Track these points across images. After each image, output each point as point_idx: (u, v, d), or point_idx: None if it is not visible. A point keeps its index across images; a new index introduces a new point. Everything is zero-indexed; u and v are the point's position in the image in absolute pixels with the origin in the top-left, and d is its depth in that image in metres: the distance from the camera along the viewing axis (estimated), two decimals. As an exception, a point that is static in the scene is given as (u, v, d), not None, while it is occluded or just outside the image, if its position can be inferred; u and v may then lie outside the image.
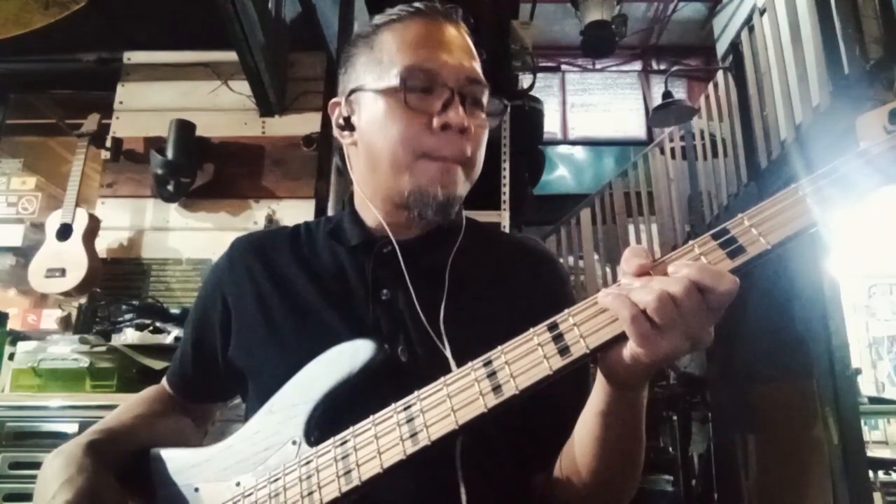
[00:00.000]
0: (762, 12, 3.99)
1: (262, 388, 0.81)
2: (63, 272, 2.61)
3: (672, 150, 5.47)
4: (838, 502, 3.10)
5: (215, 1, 2.45)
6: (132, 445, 0.83)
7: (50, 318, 2.64)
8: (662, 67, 8.37)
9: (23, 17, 2.14)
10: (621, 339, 0.58)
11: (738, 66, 4.38)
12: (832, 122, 3.22)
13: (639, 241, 5.46)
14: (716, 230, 0.59)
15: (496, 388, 0.61)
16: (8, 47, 2.36)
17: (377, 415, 0.66)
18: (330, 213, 2.97)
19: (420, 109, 0.79)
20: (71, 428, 1.89)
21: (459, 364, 0.66)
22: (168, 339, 2.24)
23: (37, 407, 1.97)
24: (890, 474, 3.89)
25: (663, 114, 4.59)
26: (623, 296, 0.57)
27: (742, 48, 4.31)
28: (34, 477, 0.77)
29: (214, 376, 0.92)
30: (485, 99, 0.85)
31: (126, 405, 0.93)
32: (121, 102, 3.09)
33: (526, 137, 3.21)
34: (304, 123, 2.97)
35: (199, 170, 2.90)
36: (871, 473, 3.53)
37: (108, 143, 2.94)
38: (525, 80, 3.65)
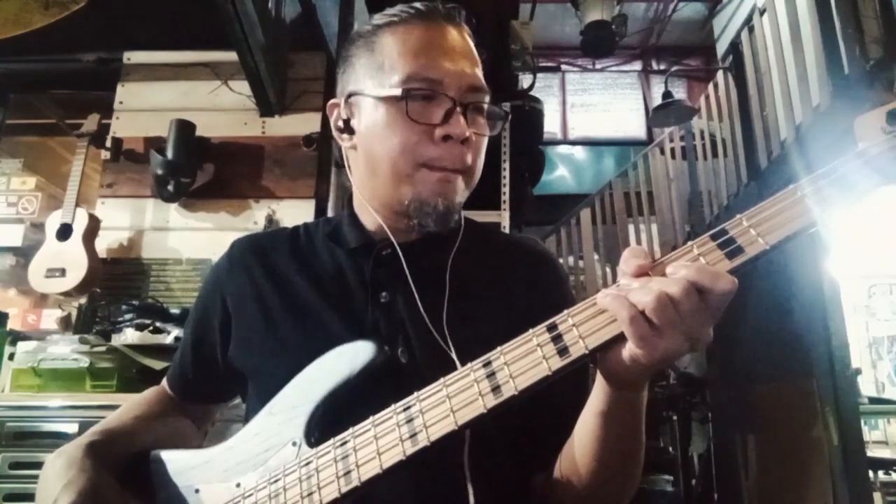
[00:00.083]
0: (762, 12, 3.99)
1: (262, 389, 0.81)
2: (63, 272, 2.61)
3: (672, 150, 5.47)
4: (838, 502, 3.09)
5: (215, 1, 2.46)
6: (133, 447, 0.83)
7: (50, 318, 2.65)
8: (662, 67, 8.38)
9: (23, 17, 2.15)
10: (620, 339, 0.58)
11: (738, 66, 4.38)
12: (832, 122, 3.22)
13: (639, 241, 5.46)
14: (714, 231, 0.59)
15: (495, 389, 0.61)
16: (8, 47, 2.37)
17: (377, 416, 0.66)
18: (330, 213, 2.97)
19: (421, 121, 0.79)
20: (71, 428, 1.89)
21: (462, 365, 0.66)
22: (168, 339, 2.24)
23: (37, 407, 1.97)
24: (890, 474, 3.89)
25: (663, 114, 4.59)
26: (622, 297, 0.57)
27: (742, 48, 4.31)
28: (34, 477, 0.77)
29: (214, 377, 0.92)
30: (486, 106, 0.84)
31: (126, 406, 0.93)
32: (121, 102, 3.09)
33: (526, 137, 3.21)
34: (304, 123, 2.97)
35: (199, 170, 2.90)
36: (871, 473, 3.53)
37: (108, 143, 2.94)
38: (525, 80, 3.65)
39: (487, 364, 0.63)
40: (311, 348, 0.76)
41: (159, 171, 2.75)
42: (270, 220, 2.87)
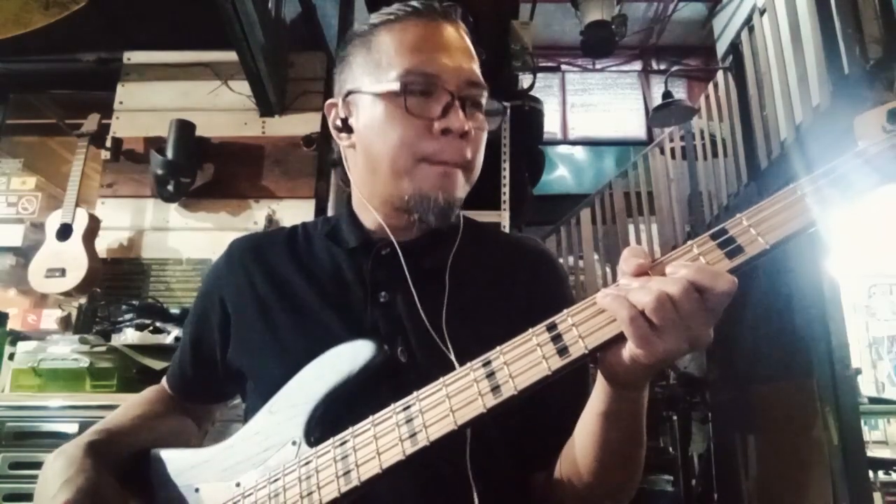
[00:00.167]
0: (762, 12, 3.99)
1: (261, 388, 0.81)
2: (63, 272, 2.61)
3: (672, 150, 5.47)
4: (838, 502, 3.09)
5: (215, 1, 2.46)
6: (132, 446, 0.83)
7: (50, 318, 2.65)
8: (662, 67, 8.37)
9: (23, 17, 2.15)
10: (620, 339, 0.58)
11: (738, 66, 4.38)
12: (832, 122, 3.22)
13: (639, 241, 5.46)
14: (714, 230, 0.59)
15: (495, 389, 0.61)
16: (8, 47, 2.37)
17: (376, 415, 0.66)
18: (330, 213, 2.97)
19: (420, 114, 0.79)
20: (71, 428, 1.90)
21: (461, 364, 0.66)
22: (168, 339, 2.24)
23: (37, 407, 1.97)
24: (890, 474, 3.89)
25: (663, 114, 4.59)
26: (621, 297, 0.57)
27: (742, 48, 4.31)
28: (34, 477, 0.77)
29: (214, 377, 0.92)
30: (484, 101, 0.85)
31: (126, 406, 0.93)
32: (121, 102, 3.10)
33: (526, 137, 3.21)
34: (304, 123, 2.97)
35: (199, 170, 2.90)
36: (871, 473, 3.53)
37: (108, 143, 2.94)
38: (525, 80, 3.65)
39: (487, 364, 0.62)
40: (311, 348, 0.76)
41: (159, 171, 2.75)
42: (270, 220, 2.87)
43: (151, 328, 2.29)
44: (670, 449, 4.27)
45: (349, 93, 0.85)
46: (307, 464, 0.68)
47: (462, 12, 0.87)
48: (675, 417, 4.23)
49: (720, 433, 4.44)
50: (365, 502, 0.66)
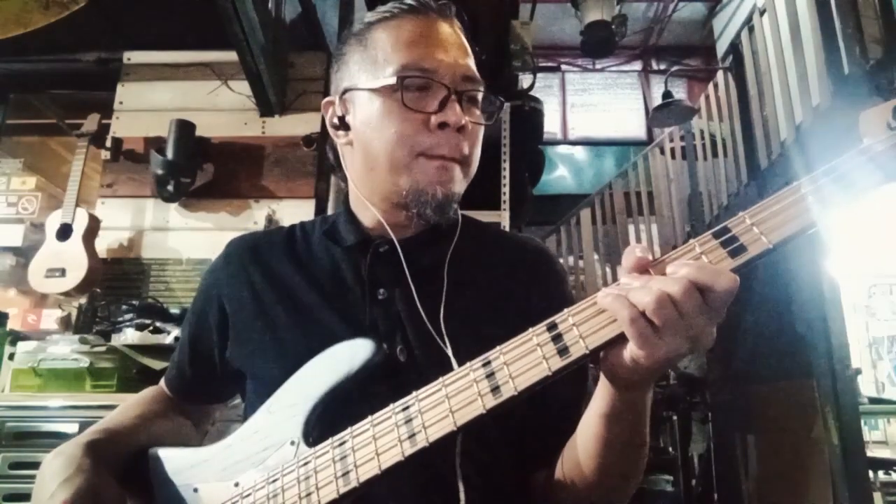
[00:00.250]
0: (762, 12, 3.99)
1: (260, 388, 0.81)
2: (63, 272, 2.61)
3: (672, 150, 5.47)
4: (838, 502, 3.09)
5: (215, 1, 2.45)
6: (131, 446, 0.83)
7: (50, 318, 2.64)
8: (662, 67, 8.37)
9: (23, 17, 2.15)
10: (621, 339, 0.58)
11: (738, 66, 4.38)
12: (832, 122, 3.22)
13: (639, 241, 5.46)
14: (716, 228, 0.58)
15: (495, 389, 0.61)
16: (8, 47, 2.36)
17: (375, 415, 0.66)
18: (330, 212, 2.97)
19: (417, 108, 0.79)
20: (71, 428, 1.89)
21: (459, 363, 0.65)
22: (168, 339, 2.24)
23: (37, 407, 1.97)
24: (890, 474, 3.89)
25: (663, 114, 4.59)
26: (622, 297, 0.56)
27: (742, 48, 4.31)
28: (34, 477, 0.77)
29: (212, 377, 0.92)
30: (480, 96, 0.85)
31: (124, 406, 0.93)
32: (121, 102, 3.09)
33: (526, 137, 3.21)
34: (304, 123, 2.97)
35: (199, 170, 2.90)
36: (871, 473, 3.53)
37: (108, 143, 2.94)
38: (525, 80, 3.65)
39: (487, 364, 0.62)
40: (309, 346, 0.75)
41: (159, 171, 2.75)
42: (270, 219, 2.87)
43: (151, 328, 2.29)
44: (670, 449, 4.27)
45: (346, 90, 0.86)
46: (306, 464, 0.68)
47: (457, 9, 0.87)
48: (675, 417, 4.23)
49: (720, 433, 4.43)
50: (363, 502, 0.66)
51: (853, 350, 3.63)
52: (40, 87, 3.47)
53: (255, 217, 2.90)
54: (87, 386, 2.10)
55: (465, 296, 0.82)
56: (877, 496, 3.61)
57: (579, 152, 8.15)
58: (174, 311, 2.44)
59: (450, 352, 0.73)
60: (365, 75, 0.83)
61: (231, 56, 2.78)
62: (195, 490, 0.76)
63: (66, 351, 2.13)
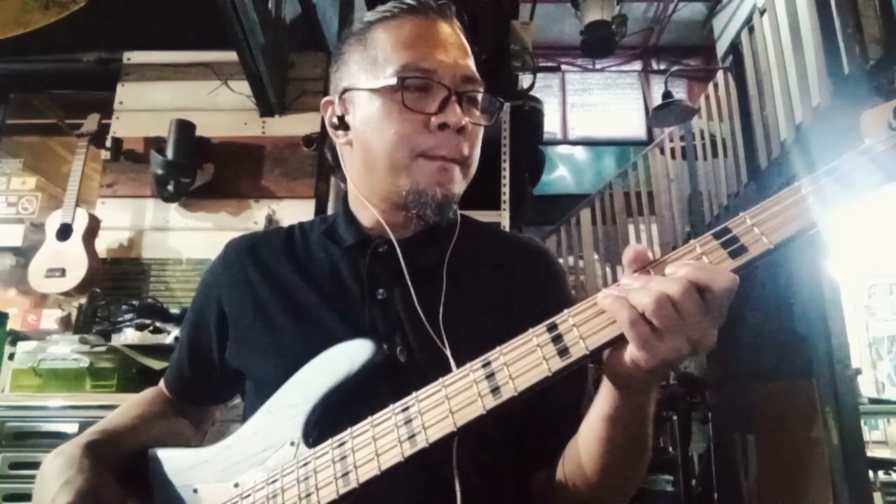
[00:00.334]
0: (762, 12, 3.99)
1: (260, 388, 0.81)
2: (63, 272, 2.61)
3: (672, 150, 5.47)
4: (838, 502, 3.09)
5: (215, 1, 2.45)
6: (131, 446, 0.83)
7: (50, 318, 2.64)
8: (662, 67, 8.37)
9: (23, 17, 2.14)
10: (621, 340, 0.57)
11: (738, 66, 4.38)
12: (832, 122, 3.22)
13: (639, 241, 5.46)
14: (717, 229, 0.58)
15: (495, 390, 0.60)
16: (8, 47, 2.36)
17: (375, 416, 0.66)
18: (330, 213, 2.97)
19: (417, 109, 0.79)
20: (71, 428, 1.89)
21: (459, 363, 0.65)
22: (168, 339, 2.24)
23: (37, 407, 1.97)
24: (890, 474, 3.89)
25: (663, 114, 4.59)
26: (622, 298, 0.56)
27: (742, 48, 4.31)
28: (34, 477, 0.77)
29: (211, 378, 0.92)
30: (480, 97, 0.85)
31: (124, 407, 0.93)
32: (121, 102, 3.09)
33: (526, 137, 3.20)
34: (304, 123, 2.97)
35: (199, 170, 2.90)
36: (871, 473, 3.53)
37: (108, 143, 2.94)
38: (525, 80, 3.64)
39: (487, 364, 0.62)
40: (309, 346, 0.75)
41: (159, 171, 2.75)
42: (270, 220, 2.87)
43: (151, 328, 2.29)
44: (670, 449, 4.27)
45: (345, 90, 0.85)
46: (305, 465, 0.68)
47: (457, 10, 0.87)
48: (675, 417, 4.22)
49: (720, 433, 4.43)
50: (363, 502, 0.66)
51: (853, 350, 3.63)
52: (40, 87, 3.47)
53: (255, 217, 2.90)
54: (87, 386, 2.10)
55: (465, 296, 0.82)
56: (877, 496, 3.62)
57: (579, 152, 8.15)
58: (174, 311, 2.44)
59: (448, 352, 0.73)
60: (365, 75, 0.83)
61: (231, 56, 2.78)
62: (195, 491, 0.76)
63: (66, 351, 2.13)
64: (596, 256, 5.56)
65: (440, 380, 0.64)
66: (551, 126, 7.90)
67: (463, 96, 0.81)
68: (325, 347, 0.74)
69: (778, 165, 3.82)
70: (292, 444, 0.71)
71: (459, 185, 0.83)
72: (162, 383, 1.00)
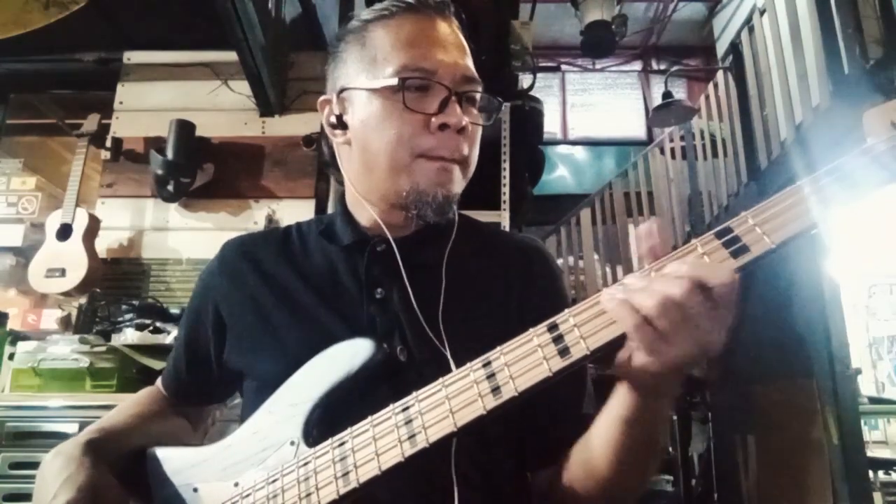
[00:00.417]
0: (762, 12, 3.99)
1: (260, 387, 0.81)
2: (63, 272, 2.61)
3: (672, 150, 5.47)
4: (838, 502, 3.09)
5: (215, 1, 2.45)
6: (130, 445, 0.83)
7: (50, 318, 2.64)
8: (662, 67, 8.37)
9: (23, 17, 2.14)
10: (623, 339, 0.57)
11: (738, 66, 4.38)
12: (832, 122, 3.22)
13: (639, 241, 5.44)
14: (719, 228, 0.58)
15: (495, 390, 0.60)
16: (8, 47, 2.36)
17: (375, 416, 0.66)
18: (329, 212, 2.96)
19: (418, 110, 0.78)
20: (71, 428, 1.89)
21: (458, 362, 0.65)
22: (168, 339, 2.24)
23: (37, 407, 1.97)
24: (890, 474, 3.89)
25: (663, 114, 4.59)
26: (626, 303, 0.56)
27: (742, 48, 4.31)
28: (34, 477, 0.77)
29: (208, 379, 0.92)
30: (479, 96, 0.84)
31: (122, 406, 0.93)
32: (121, 102, 3.09)
33: (526, 137, 3.20)
34: (304, 123, 2.97)
35: (199, 170, 2.89)
36: (871, 473, 3.53)
37: (108, 143, 2.94)
38: (525, 80, 3.64)
39: (487, 364, 0.62)
40: (308, 346, 0.75)
41: (159, 171, 2.75)
42: (270, 220, 2.86)
43: (151, 328, 2.29)
44: (670, 449, 4.26)
45: (343, 89, 0.85)
46: (306, 464, 0.68)
47: (455, 9, 0.87)
48: (675, 417, 4.22)
49: (720, 433, 4.43)
50: (363, 502, 0.66)
51: (853, 350, 3.62)
52: (40, 87, 3.47)
53: (255, 217, 2.90)
54: (87, 386, 2.10)
55: (463, 294, 0.82)
56: (877, 496, 3.62)
57: (579, 152, 8.15)
58: (174, 311, 2.44)
59: (447, 352, 0.73)
60: (364, 75, 0.82)
61: (231, 56, 2.78)
62: (195, 490, 0.76)
63: (66, 351, 2.13)
64: (596, 256, 5.55)
65: (440, 380, 0.64)
66: (551, 126, 7.90)
67: (462, 96, 0.81)
68: (324, 347, 0.74)
69: (778, 165, 3.81)
70: (292, 443, 0.71)
71: (459, 185, 0.83)
72: (159, 382, 1.00)
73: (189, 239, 2.89)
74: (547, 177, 5.69)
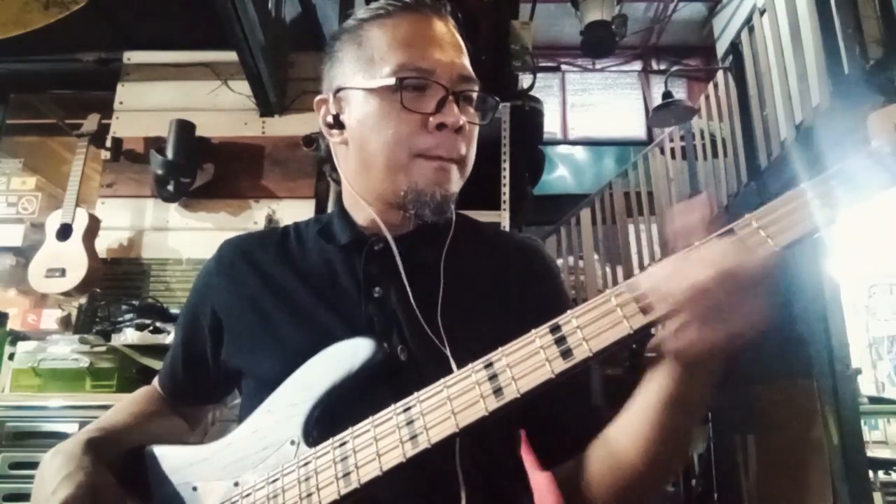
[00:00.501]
0: (762, 12, 3.99)
1: (259, 387, 0.81)
2: (63, 272, 2.61)
3: (672, 150, 5.47)
4: (838, 502, 3.09)
5: (215, 1, 2.45)
6: (129, 444, 0.83)
7: (50, 318, 2.64)
8: (662, 67, 8.37)
9: (23, 17, 2.14)
10: (626, 341, 0.57)
11: (738, 66, 4.38)
12: (832, 122, 3.22)
13: (639, 241, 5.46)
14: (723, 230, 0.58)
15: (497, 391, 0.60)
16: (8, 47, 2.36)
17: (377, 416, 0.66)
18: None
19: (415, 109, 0.78)
20: (71, 428, 1.89)
21: (457, 361, 0.65)
22: (168, 339, 2.24)
23: (37, 407, 1.97)
24: (890, 474, 3.89)
25: (663, 114, 4.59)
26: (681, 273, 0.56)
27: (742, 48, 4.31)
28: (34, 477, 0.77)
29: (205, 378, 0.92)
30: (475, 96, 0.84)
31: (120, 405, 0.93)
32: (121, 102, 3.09)
33: (526, 137, 3.20)
34: (304, 123, 2.97)
35: (199, 170, 2.89)
36: (871, 473, 3.53)
37: (108, 143, 2.94)
38: (525, 80, 3.64)
39: (489, 365, 0.62)
40: (308, 345, 0.75)
41: (159, 171, 2.75)
42: (270, 220, 2.86)
43: (151, 328, 2.29)
44: (670, 449, 4.26)
45: (340, 89, 0.85)
46: (306, 464, 0.68)
47: (451, 8, 0.87)
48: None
49: (720, 433, 4.43)
50: (364, 502, 0.66)
51: (853, 350, 3.62)
52: (40, 87, 3.47)
53: (255, 217, 2.90)
54: (87, 386, 2.10)
55: (461, 291, 0.82)
56: (877, 496, 3.61)
57: (579, 152, 8.15)
58: (174, 311, 2.43)
59: (447, 350, 0.73)
60: (361, 74, 0.82)
61: (231, 56, 2.78)
62: (194, 489, 0.76)
63: (66, 351, 2.13)
64: (596, 256, 5.56)
65: (442, 380, 0.64)
66: (551, 126, 7.90)
67: (460, 95, 0.81)
68: (323, 346, 0.74)
69: (778, 165, 3.82)
70: (293, 443, 0.71)
71: (457, 185, 0.83)
72: (156, 382, 1.00)
73: (189, 239, 2.89)
74: (547, 177, 5.70)
